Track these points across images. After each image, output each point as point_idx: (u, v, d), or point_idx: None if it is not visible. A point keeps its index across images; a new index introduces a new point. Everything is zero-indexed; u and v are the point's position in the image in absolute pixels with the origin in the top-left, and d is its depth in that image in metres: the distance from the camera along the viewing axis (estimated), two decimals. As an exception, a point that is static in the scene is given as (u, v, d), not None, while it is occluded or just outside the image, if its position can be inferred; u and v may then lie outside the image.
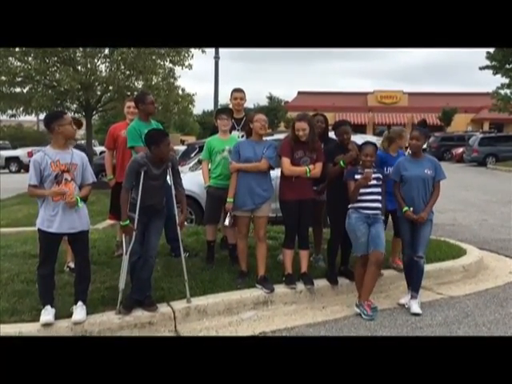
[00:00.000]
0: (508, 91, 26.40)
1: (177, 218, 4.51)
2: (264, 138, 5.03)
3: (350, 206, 4.63)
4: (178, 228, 4.51)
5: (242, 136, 5.50)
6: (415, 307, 4.58)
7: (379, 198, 4.60)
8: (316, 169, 4.77)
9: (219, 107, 14.78)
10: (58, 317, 3.97)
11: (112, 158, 5.69)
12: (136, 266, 4.27)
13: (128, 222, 4.18)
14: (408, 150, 4.99)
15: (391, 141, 5.24)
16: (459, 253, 6.03)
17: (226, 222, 5.07)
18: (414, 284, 4.70)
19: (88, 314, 4.04)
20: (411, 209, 4.58)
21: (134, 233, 4.20)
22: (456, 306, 4.79)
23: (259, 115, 4.93)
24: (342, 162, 4.77)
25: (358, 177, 4.58)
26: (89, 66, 14.39)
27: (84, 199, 4.13)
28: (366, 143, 4.71)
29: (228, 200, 4.85)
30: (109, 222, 7.27)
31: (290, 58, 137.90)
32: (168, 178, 4.42)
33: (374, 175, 4.57)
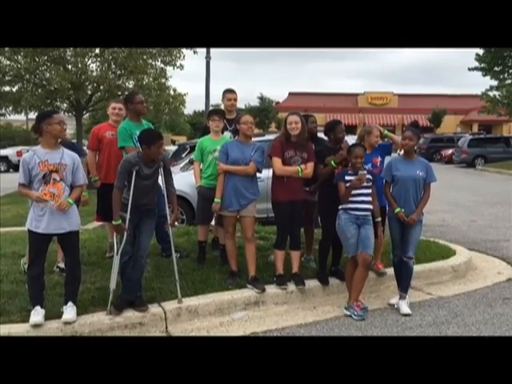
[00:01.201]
0: (497, 93, 26.64)
1: (168, 217, 4.50)
2: (256, 139, 5.05)
3: (340, 206, 4.64)
4: (169, 227, 4.51)
5: (235, 137, 5.51)
6: (404, 308, 4.60)
7: (369, 199, 4.62)
8: (308, 169, 4.78)
9: (210, 107, 14.76)
10: (47, 317, 3.94)
11: (95, 159, 5.62)
12: (127, 266, 4.25)
13: (120, 221, 4.17)
14: (400, 150, 5.02)
15: (361, 139, 5.24)
16: (448, 253, 6.08)
17: (213, 222, 5.08)
18: (403, 284, 4.73)
19: (78, 314, 4.01)
20: (403, 210, 4.61)
21: (126, 233, 4.19)
22: (445, 306, 4.83)
23: (246, 117, 4.94)
24: (333, 162, 4.79)
25: (348, 178, 4.60)
26: (79, 65, 14.32)
27: (76, 201, 4.11)
28: (355, 145, 4.73)
29: (215, 200, 4.85)
30: (96, 223, 7.25)
31: (281, 59, 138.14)
32: (159, 177, 4.41)
33: None
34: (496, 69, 25.60)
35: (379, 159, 5.11)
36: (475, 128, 43.18)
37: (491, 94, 26.88)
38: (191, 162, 6.76)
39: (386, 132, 5.26)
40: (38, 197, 3.84)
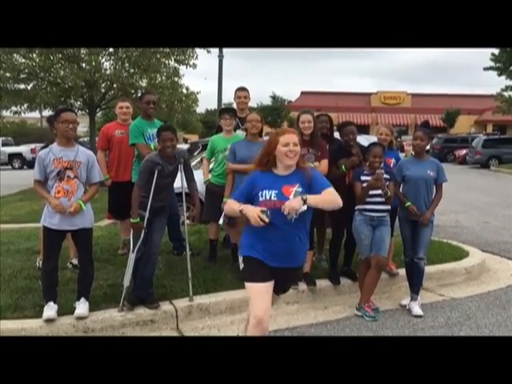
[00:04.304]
0: (512, 93, 26.35)
1: (184, 215, 4.48)
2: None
3: (356, 207, 4.61)
4: (188, 221, 4.50)
5: (246, 135, 5.51)
6: (416, 309, 4.58)
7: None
8: (321, 166, 4.74)
9: (223, 106, 14.78)
10: (60, 313, 3.99)
11: (105, 158, 5.67)
12: (139, 263, 4.27)
13: (138, 219, 4.19)
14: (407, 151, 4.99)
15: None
16: (461, 255, 6.03)
17: (220, 221, 5.08)
18: (415, 286, 4.70)
19: (90, 311, 4.06)
20: (414, 204, 4.57)
21: (143, 231, 4.21)
22: (458, 307, 4.79)
23: (251, 115, 4.94)
24: (343, 167, 4.76)
25: (364, 178, 4.56)
26: (93, 63, 14.42)
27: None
28: (374, 144, 4.69)
29: (224, 200, 4.84)
30: (107, 221, 7.29)
31: (293, 57, 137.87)
32: (178, 174, 4.44)
33: None
34: (512, 68, 25.32)
35: (393, 161, 5.07)
36: (489, 128, 42.76)
37: (506, 94, 26.60)
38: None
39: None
40: (57, 205, 3.87)
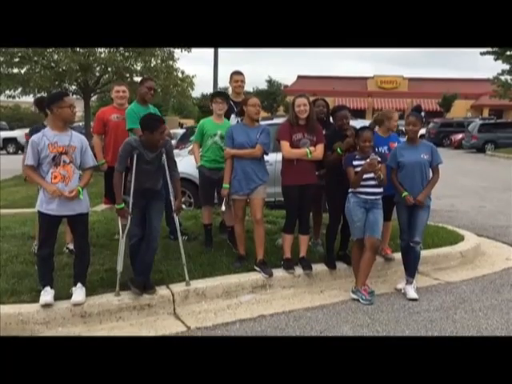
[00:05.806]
0: (508, 77, 26.28)
1: (172, 203, 4.47)
2: (264, 122, 5.01)
3: (349, 190, 4.62)
4: (174, 214, 4.49)
5: (242, 119, 5.47)
6: (411, 293, 4.61)
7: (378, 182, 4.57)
8: (317, 151, 4.73)
9: (218, 90, 14.68)
10: (57, 298, 3.99)
11: (101, 143, 5.62)
12: (137, 248, 4.24)
13: (123, 205, 4.17)
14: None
15: (380, 123, 5.15)
16: (457, 239, 6.06)
17: (223, 208, 5.08)
18: (410, 269, 4.73)
19: (87, 295, 4.06)
20: (411, 195, 4.58)
21: (129, 216, 4.19)
22: (453, 291, 4.82)
23: (253, 99, 4.86)
24: (339, 150, 4.75)
25: (356, 163, 4.56)
26: (87, 46, 14.25)
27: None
28: (363, 128, 4.67)
29: (224, 186, 4.84)
30: (104, 206, 7.27)
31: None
32: (164, 162, 4.38)
33: None
34: (508, 53, 25.20)
35: (396, 144, 5.04)
36: (486, 113, 42.73)
37: (503, 78, 26.54)
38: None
39: None
40: (54, 191, 3.84)
